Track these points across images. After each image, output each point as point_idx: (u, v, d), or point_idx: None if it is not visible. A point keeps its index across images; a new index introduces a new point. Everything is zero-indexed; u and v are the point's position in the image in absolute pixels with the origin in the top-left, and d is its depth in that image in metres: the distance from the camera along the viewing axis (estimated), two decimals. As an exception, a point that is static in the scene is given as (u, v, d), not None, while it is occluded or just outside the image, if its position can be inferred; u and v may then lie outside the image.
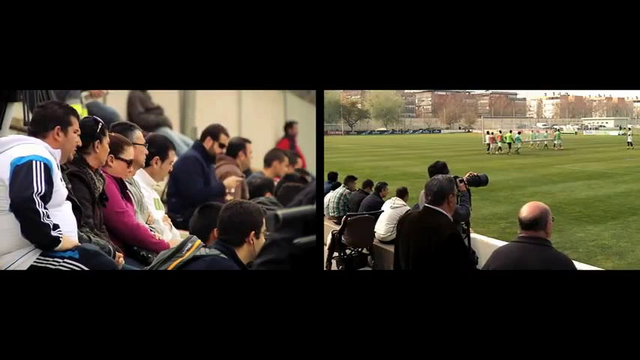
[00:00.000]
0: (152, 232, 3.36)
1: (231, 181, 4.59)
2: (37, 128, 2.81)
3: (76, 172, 3.01)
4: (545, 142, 29.99)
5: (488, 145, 26.97)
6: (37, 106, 2.95)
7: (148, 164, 3.70)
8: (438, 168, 3.99)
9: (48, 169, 2.62)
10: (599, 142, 30.95)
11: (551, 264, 2.41)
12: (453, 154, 24.92)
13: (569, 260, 2.46)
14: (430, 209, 2.73)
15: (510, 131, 29.79)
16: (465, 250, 2.88)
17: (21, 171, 2.56)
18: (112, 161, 3.27)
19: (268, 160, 5.54)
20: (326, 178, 7.96)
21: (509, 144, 26.22)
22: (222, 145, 4.69)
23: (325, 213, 7.02)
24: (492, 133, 28.30)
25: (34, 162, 2.58)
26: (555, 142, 28.64)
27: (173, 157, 3.91)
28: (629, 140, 28.36)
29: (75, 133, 2.88)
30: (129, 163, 3.35)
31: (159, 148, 3.75)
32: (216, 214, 2.82)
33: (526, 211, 2.45)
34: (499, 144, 26.56)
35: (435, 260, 2.61)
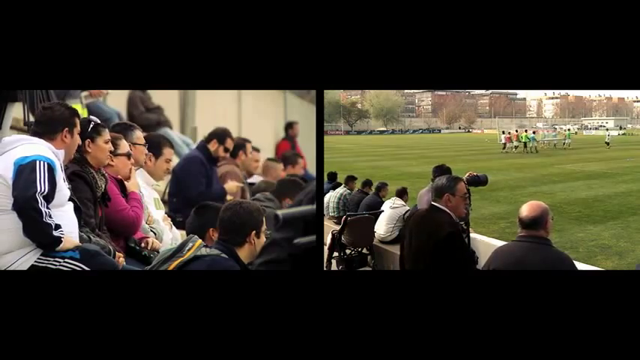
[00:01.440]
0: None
1: (232, 186, 4.60)
2: (44, 129, 2.80)
3: (79, 171, 3.02)
4: (555, 142, 30.48)
5: (504, 144, 27.52)
6: (43, 107, 2.94)
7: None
8: (443, 170, 4.02)
9: (51, 170, 2.62)
10: (599, 142, 31.01)
11: (552, 263, 2.41)
12: (453, 153, 24.94)
13: (569, 259, 2.47)
14: (434, 207, 2.76)
15: (526, 130, 30.88)
16: (465, 250, 2.88)
17: (24, 170, 2.56)
18: (111, 160, 3.27)
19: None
20: (326, 178, 7.96)
21: (525, 143, 26.78)
22: (227, 150, 4.71)
23: (325, 213, 7.02)
24: (509, 133, 29.15)
25: (37, 162, 2.59)
26: (565, 141, 29.47)
27: (170, 156, 3.91)
28: (607, 141, 28.81)
29: (78, 134, 2.90)
30: (128, 155, 3.36)
31: (152, 145, 3.75)
32: (212, 214, 2.82)
33: (526, 210, 2.46)
34: (515, 143, 27.19)
35: (433, 258, 2.62)
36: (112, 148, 3.20)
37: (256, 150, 5.52)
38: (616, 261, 6.36)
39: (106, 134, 3.17)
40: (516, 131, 30.08)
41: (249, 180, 5.25)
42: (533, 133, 29.40)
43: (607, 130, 37.00)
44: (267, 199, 3.94)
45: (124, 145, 3.37)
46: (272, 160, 5.75)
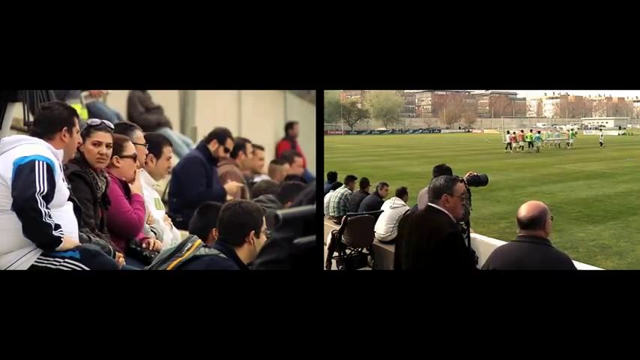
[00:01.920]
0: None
1: (232, 187, 4.60)
2: (43, 129, 2.80)
3: (79, 171, 3.02)
4: (558, 142, 30.73)
5: (509, 143, 27.77)
6: (42, 107, 2.94)
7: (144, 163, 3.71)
8: (443, 170, 4.02)
9: (50, 169, 2.63)
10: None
11: (551, 263, 2.41)
12: (453, 153, 24.94)
13: (569, 259, 2.47)
14: (432, 208, 2.75)
15: (531, 130, 31.29)
16: (465, 250, 2.88)
17: (23, 170, 2.57)
18: (117, 162, 3.27)
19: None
20: (326, 178, 7.96)
21: (530, 143, 27.05)
22: (227, 150, 4.71)
23: (325, 213, 7.02)
24: (514, 133, 29.41)
25: (36, 162, 2.59)
26: (568, 141, 29.78)
27: (169, 154, 3.91)
28: (600, 141, 28.92)
29: (77, 133, 2.89)
30: (134, 157, 3.35)
31: (151, 145, 3.75)
32: (216, 214, 2.82)
33: (524, 210, 2.45)
34: (520, 143, 27.46)
35: (434, 258, 2.61)
36: (105, 150, 3.12)
37: (260, 148, 5.53)
38: (616, 261, 6.36)
39: (96, 136, 3.10)
40: (522, 131, 30.32)
41: (254, 179, 5.25)
42: (538, 133, 29.65)
43: (600, 130, 37.11)
44: (270, 201, 3.94)
45: (130, 147, 3.35)
46: (276, 163, 5.77)
